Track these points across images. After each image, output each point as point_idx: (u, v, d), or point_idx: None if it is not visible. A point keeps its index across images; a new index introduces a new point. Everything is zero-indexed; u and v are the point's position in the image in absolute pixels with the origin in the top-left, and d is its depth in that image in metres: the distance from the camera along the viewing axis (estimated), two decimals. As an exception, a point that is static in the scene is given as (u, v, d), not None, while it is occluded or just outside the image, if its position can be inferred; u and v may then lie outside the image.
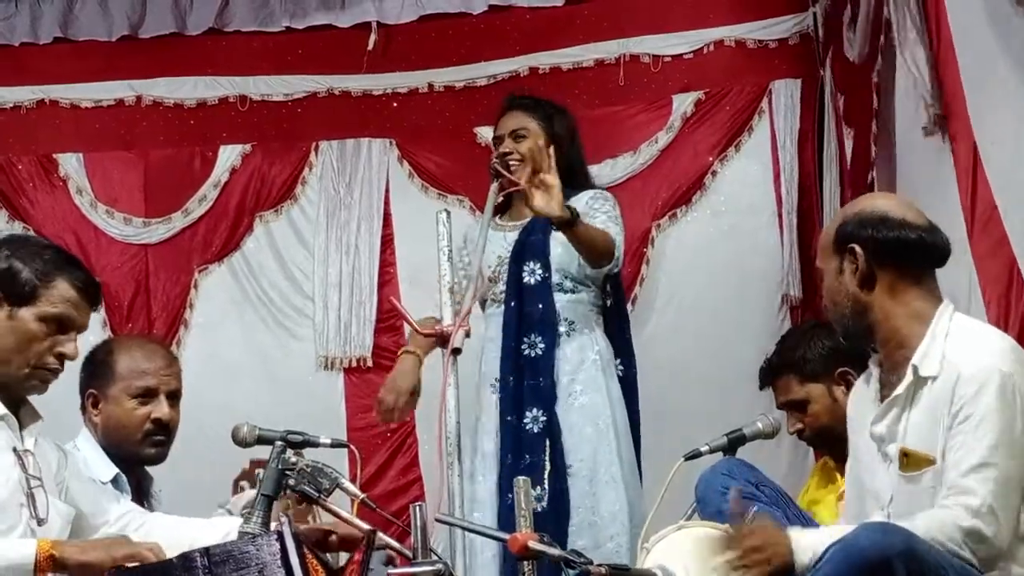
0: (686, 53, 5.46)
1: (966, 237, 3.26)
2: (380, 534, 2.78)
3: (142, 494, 3.47)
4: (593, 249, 3.97)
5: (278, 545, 2.49)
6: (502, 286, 4.14)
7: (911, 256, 2.72)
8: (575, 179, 4.19)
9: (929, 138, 3.65)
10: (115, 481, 3.35)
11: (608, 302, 4.20)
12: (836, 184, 5.00)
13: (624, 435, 4.05)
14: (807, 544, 2.55)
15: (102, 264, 5.53)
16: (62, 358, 2.85)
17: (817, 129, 5.22)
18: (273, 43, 5.75)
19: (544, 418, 3.96)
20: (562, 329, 4.07)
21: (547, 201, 3.79)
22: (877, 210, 2.76)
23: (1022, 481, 2.57)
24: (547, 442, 3.95)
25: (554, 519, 3.81)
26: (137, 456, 3.42)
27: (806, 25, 5.33)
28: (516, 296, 4.10)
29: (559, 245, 4.08)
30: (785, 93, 5.35)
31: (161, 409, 3.41)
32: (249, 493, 3.38)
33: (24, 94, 5.70)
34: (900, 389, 2.70)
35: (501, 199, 4.14)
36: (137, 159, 5.75)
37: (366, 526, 2.82)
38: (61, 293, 2.82)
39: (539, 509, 3.78)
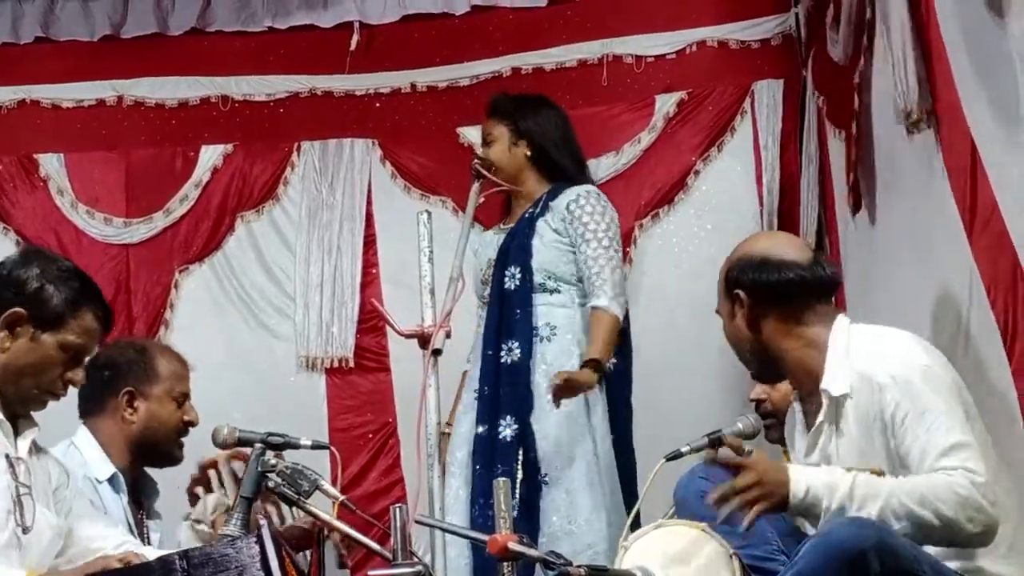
0: (669, 53, 5.46)
1: (963, 235, 3.26)
2: (354, 533, 2.79)
3: (139, 494, 3.51)
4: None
5: (257, 548, 2.49)
6: (490, 289, 4.15)
7: (793, 295, 2.80)
8: (556, 171, 4.20)
9: (915, 137, 3.65)
10: (112, 480, 3.39)
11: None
12: (814, 184, 5.00)
13: (603, 439, 4.02)
14: (803, 478, 2.60)
15: (83, 264, 5.29)
16: (68, 384, 2.87)
17: (799, 129, 5.22)
18: (255, 43, 5.74)
19: (517, 426, 3.94)
20: (544, 333, 4.05)
21: (577, 388, 3.84)
22: (756, 253, 2.86)
23: (988, 455, 2.61)
24: (520, 451, 3.92)
25: (525, 529, 3.70)
26: (169, 455, 3.52)
27: (788, 26, 5.33)
28: (498, 301, 4.10)
29: (542, 246, 4.08)
30: (768, 93, 5.35)
31: (192, 413, 3.54)
32: (211, 497, 3.39)
33: (5, 94, 5.68)
34: (821, 416, 2.76)
35: (483, 200, 4.16)
36: (118, 159, 5.73)
37: (346, 528, 2.83)
38: (84, 325, 2.84)
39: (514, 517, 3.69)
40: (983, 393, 3.09)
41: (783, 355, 2.83)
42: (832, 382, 2.73)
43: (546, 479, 3.92)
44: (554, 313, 4.06)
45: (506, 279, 4.09)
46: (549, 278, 4.08)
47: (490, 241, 4.26)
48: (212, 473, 3.44)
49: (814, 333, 2.79)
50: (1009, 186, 3.03)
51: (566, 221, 4.08)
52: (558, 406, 3.85)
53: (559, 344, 4.03)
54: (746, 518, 2.60)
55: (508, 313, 4.06)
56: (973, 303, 3.25)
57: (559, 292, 4.08)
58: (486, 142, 4.26)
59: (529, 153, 4.21)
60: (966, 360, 3.25)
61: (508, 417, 3.95)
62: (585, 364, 3.90)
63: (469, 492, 3.94)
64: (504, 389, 3.99)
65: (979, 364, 3.21)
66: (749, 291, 2.83)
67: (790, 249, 2.88)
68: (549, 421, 3.94)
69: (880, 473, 2.62)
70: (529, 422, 3.94)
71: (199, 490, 3.49)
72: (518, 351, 4.01)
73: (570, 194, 4.12)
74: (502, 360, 4.02)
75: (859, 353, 2.73)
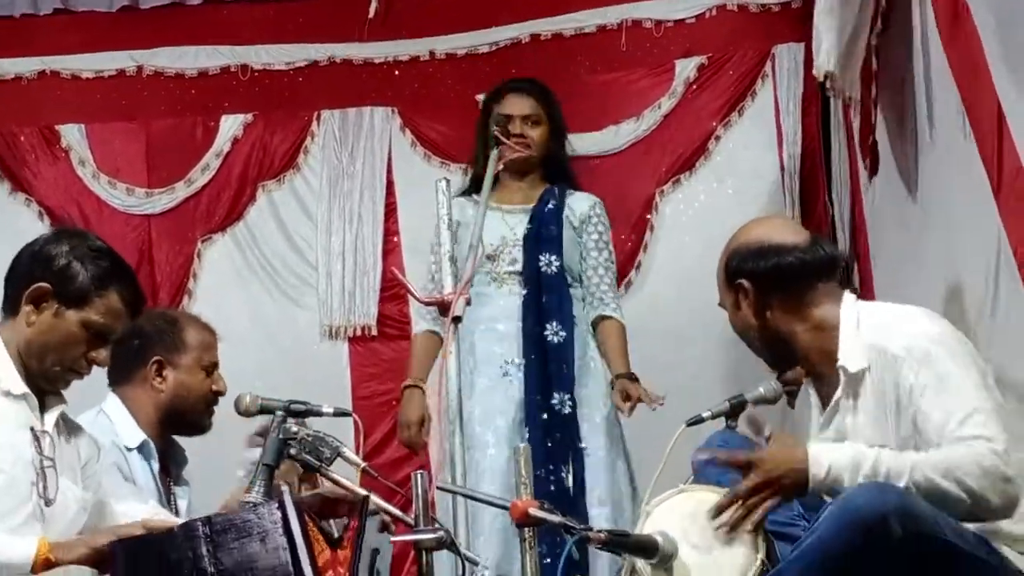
0: (688, 18, 5.41)
1: (991, 196, 3.23)
2: (375, 499, 2.80)
3: (169, 462, 3.55)
4: None
5: (279, 513, 2.50)
6: (507, 267, 4.29)
7: (795, 279, 2.80)
8: (561, 170, 4.43)
9: (939, 98, 3.62)
10: (142, 447, 3.43)
11: None
12: (844, 149, 4.98)
13: (614, 421, 4.25)
14: (824, 458, 2.60)
15: (105, 235, 5.31)
16: (92, 363, 2.87)
17: (821, 93, 5.18)
18: (273, 11, 5.71)
19: (571, 402, 4.16)
20: (574, 322, 4.28)
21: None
22: (753, 240, 2.86)
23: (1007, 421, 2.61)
24: (576, 424, 4.16)
25: (580, 496, 4.08)
26: (198, 424, 3.56)
27: (808, -12, 5.29)
28: (535, 283, 4.26)
29: (570, 239, 4.32)
30: (788, 57, 5.30)
31: (220, 382, 3.58)
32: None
33: (25, 65, 5.67)
34: (839, 393, 2.75)
35: (502, 167, 4.17)
36: (139, 129, 5.73)
37: (364, 492, 2.84)
38: (109, 305, 2.84)
39: (565, 486, 4.06)
40: (1012, 357, 3.08)
41: (793, 339, 2.82)
42: (848, 358, 2.72)
43: (586, 452, 4.15)
44: (576, 305, 4.31)
45: (542, 263, 4.27)
46: (569, 273, 4.32)
47: (494, 218, 4.29)
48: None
49: (822, 313, 2.79)
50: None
51: (584, 223, 4.33)
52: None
53: (579, 335, 4.28)
54: (748, 521, 2.61)
55: (548, 295, 4.26)
56: (1001, 267, 3.21)
57: (575, 287, 4.34)
58: (533, 120, 4.34)
59: (552, 146, 4.39)
60: (993, 324, 3.24)
61: (562, 392, 4.17)
62: (623, 376, 4.22)
63: (507, 459, 4.02)
64: (552, 366, 4.19)
65: (1008, 328, 3.19)
66: (752, 279, 2.83)
67: (786, 232, 2.88)
68: (583, 403, 4.21)
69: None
70: (576, 397, 4.19)
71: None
72: (563, 332, 4.22)
73: (589, 199, 4.41)
74: (548, 339, 4.20)
75: (870, 327, 2.72)
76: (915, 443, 2.61)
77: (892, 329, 2.70)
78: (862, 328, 2.73)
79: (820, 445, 2.70)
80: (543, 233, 4.29)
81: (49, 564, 2.61)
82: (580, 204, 4.37)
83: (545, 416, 4.13)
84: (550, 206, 4.33)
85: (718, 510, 2.64)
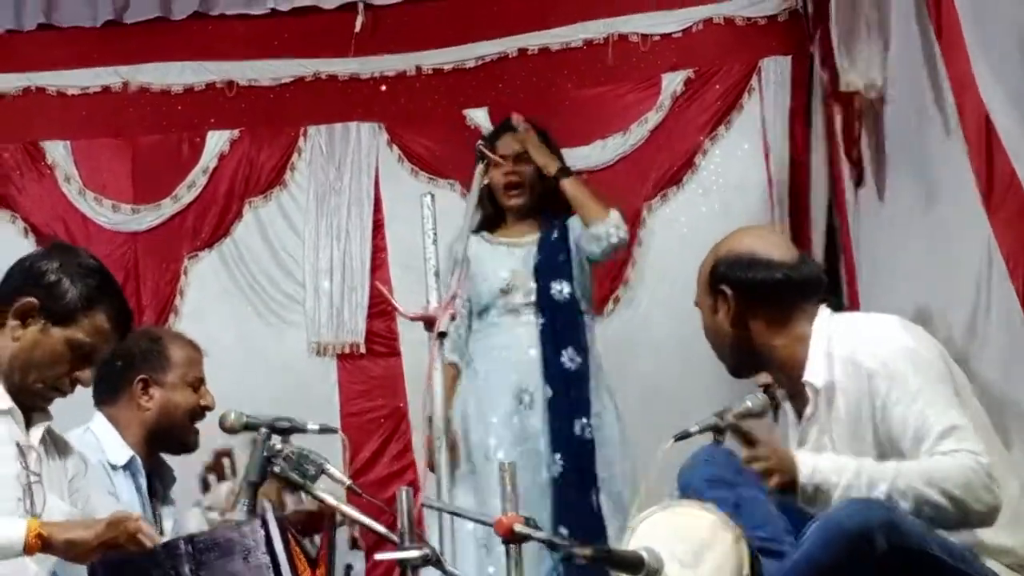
0: (675, 32, 5.43)
1: (980, 205, 3.23)
2: (360, 516, 2.78)
3: (157, 481, 3.52)
4: None
5: (263, 531, 2.49)
6: (521, 298, 4.37)
7: (779, 296, 2.80)
8: (552, 203, 4.45)
9: (928, 108, 3.62)
10: (129, 464, 3.40)
11: None
12: (823, 162, 4.97)
13: (625, 445, 4.33)
14: (809, 460, 2.61)
15: (90, 252, 5.49)
16: (75, 383, 2.85)
17: (807, 106, 5.18)
18: (259, 27, 5.71)
19: (590, 428, 4.24)
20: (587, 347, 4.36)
21: None
22: (744, 250, 2.85)
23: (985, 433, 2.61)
24: (594, 451, 4.24)
25: (604, 522, 4.16)
26: (186, 441, 3.52)
27: (795, 1, 5.28)
28: (548, 311, 4.33)
29: (577, 264, 4.38)
30: (775, 70, 5.30)
31: (208, 397, 3.53)
32: (225, 486, 3.39)
33: (10, 81, 5.67)
34: (809, 409, 2.75)
35: (487, 181, 4.18)
36: (125, 146, 5.73)
37: (354, 512, 2.82)
38: (96, 324, 2.81)
39: (596, 512, 4.17)
40: (1003, 368, 3.07)
41: (770, 353, 2.83)
42: (813, 374, 2.73)
43: (601, 481, 4.24)
44: (587, 333, 4.40)
45: (554, 291, 4.34)
46: (582, 299, 4.40)
47: (496, 253, 4.38)
48: (226, 461, 3.44)
49: (800, 331, 2.79)
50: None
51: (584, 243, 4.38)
52: None
53: (593, 360, 4.34)
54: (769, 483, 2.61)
55: (562, 322, 4.33)
56: (993, 277, 3.21)
57: (587, 314, 4.42)
58: (525, 159, 4.43)
59: (545, 180, 4.46)
60: (986, 335, 3.23)
61: (584, 419, 4.24)
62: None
63: (527, 488, 4.03)
64: (572, 393, 4.27)
65: (1000, 339, 3.18)
66: (735, 288, 2.82)
67: (776, 248, 2.87)
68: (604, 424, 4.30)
69: None
70: (592, 424, 4.26)
71: (211, 478, 3.49)
72: (578, 359, 4.29)
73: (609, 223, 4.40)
74: (565, 366, 4.27)
75: (841, 340, 2.72)
76: (891, 457, 2.60)
77: (862, 342, 2.70)
78: (834, 342, 2.73)
79: (803, 452, 2.71)
80: (553, 262, 4.37)
81: (44, 541, 2.56)
82: (578, 228, 4.43)
83: (570, 444, 4.21)
84: (555, 235, 4.41)
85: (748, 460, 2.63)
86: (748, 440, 2.69)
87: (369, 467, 5.40)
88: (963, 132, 3.37)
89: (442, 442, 3.35)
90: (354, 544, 3.02)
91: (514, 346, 4.32)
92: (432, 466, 3.35)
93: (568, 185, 4.30)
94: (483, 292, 4.40)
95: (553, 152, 4.45)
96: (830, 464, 2.59)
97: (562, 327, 4.31)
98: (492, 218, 4.48)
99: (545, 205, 4.45)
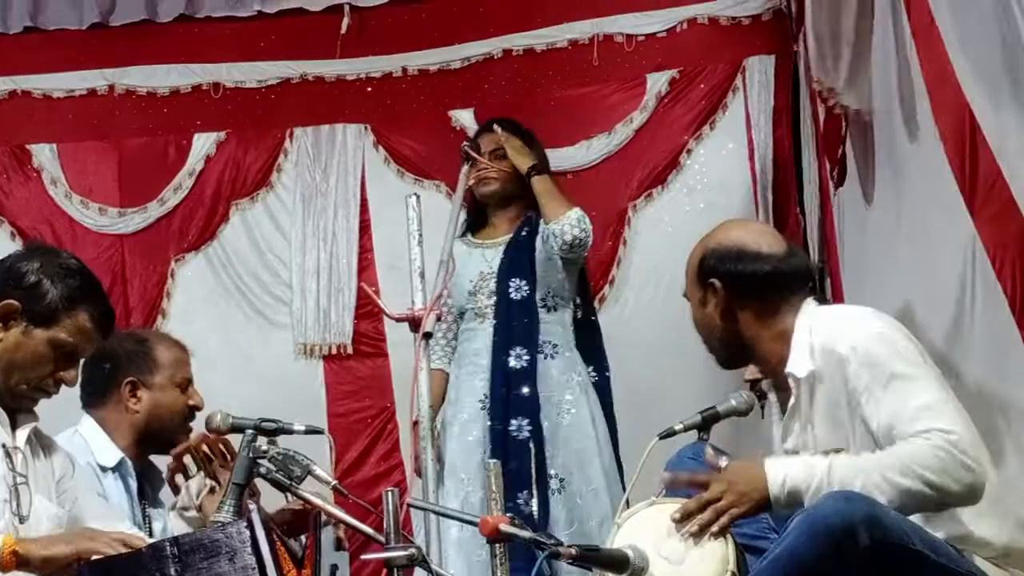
0: (660, 31, 5.44)
1: (962, 203, 3.23)
2: (346, 518, 2.79)
3: (146, 483, 3.52)
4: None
5: (248, 532, 2.49)
6: (485, 300, 4.32)
7: (768, 288, 2.81)
8: (529, 201, 4.37)
9: (907, 106, 3.63)
10: (119, 466, 3.40)
11: (579, 314, 4.41)
12: (813, 160, 4.99)
13: (605, 446, 4.24)
14: (779, 469, 2.61)
15: (77, 255, 5.47)
16: (60, 383, 2.85)
17: (792, 105, 5.20)
18: (245, 29, 5.72)
19: (529, 427, 4.12)
20: (547, 351, 4.25)
21: None
22: (733, 243, 2.86)
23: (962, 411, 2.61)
24: (531, 449, 4.10)
25: (543, 525, 3.99)
26: (175, 441, 3.50)
27: (779, 0, 5.30)
28: (504, 312, 4.27)
29: (543, 261, 4.28)
30: (759, 70, 5.32)
31: (196, 397, 3.54)
32: (193, 482, 3.40)
33: (-5, 85, 5.67)
34: (792, 400, 2.77)
35: (472, 182, 4.19)
36: (111, 148, 5.73)
37: (339, 512, 2.83)
38: (78, 324, 2.82)
39: (529, 512, 4.00)
40: (989, 364, 3.08)
41: (756, 344, 2.84)
42: (796, 365, 2.74)
43: (563, 483, 4.14)
44: (554, 331, 4.29)
45: (511, 290, 4.28)
46: (549, 294, 4.30)
47: (471, 254, 4.37)
48: (188, 459, 3.45)
49: (786, 324, 2.80)
50: (1007, 152, 2.99)
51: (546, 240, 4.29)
52: None
53: (562, 361, 4.26)
54: (716, 524, 2.61)
55: (516, 321, 4.25)
56: (977, 274, 3.21)
57: (557, 311, 4.32)
58: (500, 155, 4.37)
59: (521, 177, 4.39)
60: (972, 332, 3.23)
61: (520, 418, 4.14)
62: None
63: (481, 499, 4.03)
64: (513, 392, 4.18)
65: (985, 335, 3.18)
66: (724, 281, 2.83)
67: (766, 240, 2.88)
68: (561, 431, 4.19)
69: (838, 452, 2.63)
70: (539, 421, 4.15)
71: (178, 478, 3.49)
72: (526, 357, 4.21)
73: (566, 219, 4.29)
74: (511, 365, 4.19)
75: (819, 331, 2.74)
76: (872, 443, 2.62)
77: (839, 330, 2.71)
78: (814, 333, 2.74)
79: (773, 459, 2.70)
80: (514, 260, 4.32)
81: (19, 558, 2.57)
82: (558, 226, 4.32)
83: (503, 444, 4.11)
84: (523, 234, 4.36)
85: (684, 515, 2.64)
86: (699, 484, 2.69)
87: (356, 468, 5.41)
88: (939, 129, 3.38)
89: (427, 443, 3.36)
90: (339, 545, 3.02)
91: (482, 351, 4.28)
92: (419, 471, 3.35)
93: (537, 183, 4.26)
94: (458, 295, 4.39)
95: (536, 152, 4.42)
96: (801, 470, 2.59)
97: (514, 326, 4.25)
98: (476, 220, 4.47)
99: (530, 205, 4.42)
